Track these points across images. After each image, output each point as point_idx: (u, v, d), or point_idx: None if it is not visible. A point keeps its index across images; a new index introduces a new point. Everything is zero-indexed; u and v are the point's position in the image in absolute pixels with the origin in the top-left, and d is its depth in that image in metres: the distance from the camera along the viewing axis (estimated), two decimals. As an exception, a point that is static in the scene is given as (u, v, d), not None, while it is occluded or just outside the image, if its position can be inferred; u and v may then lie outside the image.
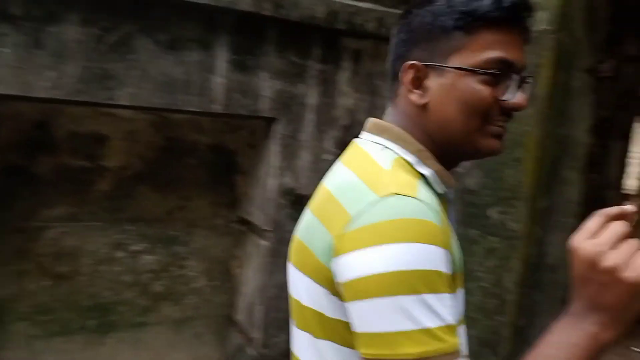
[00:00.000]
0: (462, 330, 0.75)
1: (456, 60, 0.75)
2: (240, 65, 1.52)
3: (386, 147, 0.80)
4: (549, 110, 1.42)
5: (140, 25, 1.37)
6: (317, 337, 0.74)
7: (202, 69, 1.47)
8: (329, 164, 1.69)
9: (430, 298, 0.67)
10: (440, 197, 0.78)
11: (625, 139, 1.58)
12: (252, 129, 1.81)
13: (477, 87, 0.74)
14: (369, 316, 0.66)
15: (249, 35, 1.53)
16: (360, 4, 1.66)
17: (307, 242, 0.73)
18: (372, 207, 0.69)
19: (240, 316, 1.79)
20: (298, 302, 0.76)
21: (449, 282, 0.69)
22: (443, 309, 0.67)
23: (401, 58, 0.80)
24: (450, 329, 0.67)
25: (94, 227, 1.64)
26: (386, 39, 1.75)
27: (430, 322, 0.66)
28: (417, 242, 0.67)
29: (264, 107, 1.58)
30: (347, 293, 0.66)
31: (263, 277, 1.65)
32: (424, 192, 0.71)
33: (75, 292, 1.62)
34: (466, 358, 0.71)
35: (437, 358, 0.65)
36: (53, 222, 1.58)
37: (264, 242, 1.65)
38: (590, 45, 1.47)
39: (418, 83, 0.78)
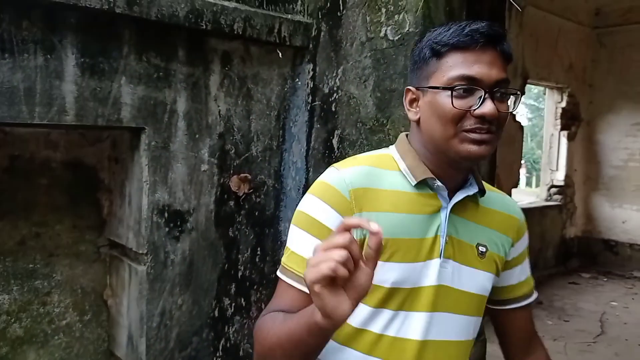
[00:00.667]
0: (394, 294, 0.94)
1: (432, 82, 0.92)
2: (93, 69, 1.35)
3: (387, 148, 1.06)
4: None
5: (-38, 25, 1.15)
6: None
7: (47, 74, 1.28)
8: (207, 175, 1.60)
9: (302, 232, 0.93)
10: (421, 189, 0.96)
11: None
12: (114, 141, 1.63)
13: (445, 101, 0.89)
14: None
15: (100, 36, 1.36)
16: (225, 3, 1.56)
17: None
18: None
19: (121, 351, 1.60)
20: None
21: (321, 230, 0.91)
22: (304, 244, 0.92)
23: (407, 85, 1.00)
24: (293, 255, 0.93)
25: None
26: (255, 41, 1.68)
27: (294, 247, 0.94)
28: (313, 195, 0.95)
29: (126, 115, 1.41)
30: None
31: (142, 305, 1.48)
32: (353, 170, 0.96)
33: None
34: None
35: (288, 272, 0.92)
36: None
37: (140, 267, 1.49)
38: (455, 44, 1.52)
39: (415, 103, 0.97)
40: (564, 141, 6.90)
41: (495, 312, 1.13)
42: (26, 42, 1.25)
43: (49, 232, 1.56)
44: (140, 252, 1.49)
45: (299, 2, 1.79)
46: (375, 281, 0.86)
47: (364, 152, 1.58)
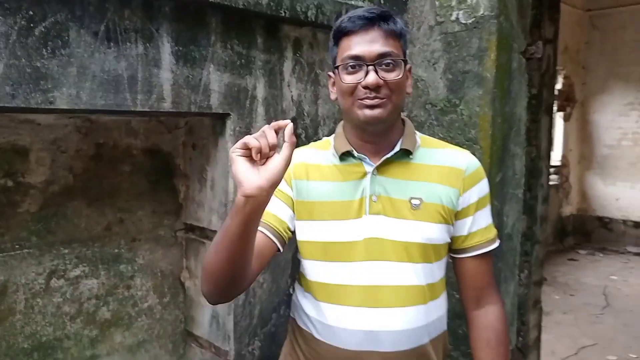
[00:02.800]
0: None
1: (337, 64, 1.11)
2: (186, 57, 1.39)
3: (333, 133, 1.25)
4: (496, 90, 1.51)
5: (71, 14, 1.18)
6: None
7: (147, 63, 1.31)
8: (282, 158, 1.64)
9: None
10: (346, 159, 1.16)
11: (550, 114, 1.76)
12: (190, 128, 1.67)
13: (344, 78, 1.09)
14: None
15: (191, 24, 1.39)
16: (300, -10, 1.61)
17: None
18: None
19: (202, 330, 1.66)
20: None
21: (280, 194, 1.17)
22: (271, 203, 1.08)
23: None
24: (266, 212, 1.11)
25: (23, 256, 1.39)
26: (323, 27, 1.73)
27: None
28: None
29: (215, 102, 1.46)
30: None
31: (229, 284, 1.54)
32: (299, 151, 1.22)
33: (11, 334, 1.36)
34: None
35: None
36: (-29, 256, 1.31)
37: (227, 248, 1.54)
38: (521, 29, 1.60)
39: (333, 85, 1.16)
40: (559, 122, 7.08)
41: (453, 260, 1.24)
42: (128, 31, 1.28)
43: (132, 218, 1.60)
44: (227, 233, 1.54)
45: (358, -11, 1.84)
46: (308, 237, 1.15)
47: (434, 132, 1.65)
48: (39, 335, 1.42)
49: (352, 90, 1.08)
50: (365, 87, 1.06)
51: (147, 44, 1.32)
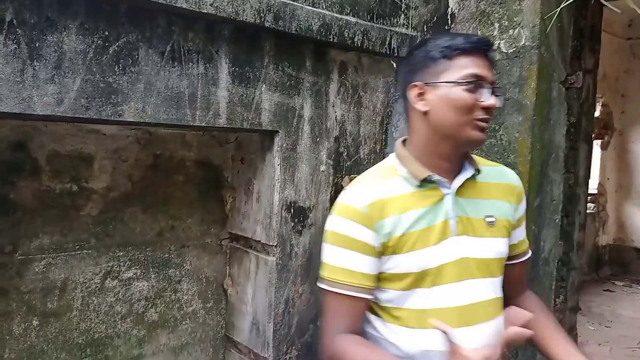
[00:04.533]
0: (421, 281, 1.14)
1: (444, 78, 1.10)
2: (241, 77, 1.49)
3: (389, 157, 1.24)
4: (535, 117, 1.56)
5: (142, 35, 1.29)
6: None
7: (206, 82, 1.42)
8: (325, 175, 1.72)
9: (338, 248, 1.13)
10: (424, 186, 1.14)
11: (589, 142, 1.78)
12: (239, 143, 1.76)
13: (461, 94, 1.08)
14: None
15: (247, 47, 1.49)
16: (348, 18, 1.70)
17: None
18: None
19: (242, 337, 1.73)
20: None
21: (354, 243, 1.11)
22: (343, 257, 1.12)
23: (408, 83, 1.16)
24: (335, 269, 1.13)
25: (82, 256, 1.49)
26: (368, 51, 1.81)
27: (335, 262, 1.13)
28: (339, 216, 1.14)
29: (265, 120, 1.55)
30: None
31: (271, 293, 1.61)
32: (364, 188, 1.16)
33: (67, 329, 1.46)
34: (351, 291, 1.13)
35: (337, 284, 1.13)
36: (37, 253, 1.42)
37: (270, 258, 1.62)
38: (561, 59, 1.64)
39: (421, 97, 1.13)
40: (596, 150, 6.96)
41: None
42: (191, 52, 1.39)
43: (182, 225, 1.70)
44: (270, 244, 1.61)
45: (403, 17, 1.92)
46: (404, 269, 1.13)
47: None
48: (92, 331, 1.51)
49: (470, 109, 1.07)
50: (485, 108, 1.08)
51: (207, 64, 1.42)
